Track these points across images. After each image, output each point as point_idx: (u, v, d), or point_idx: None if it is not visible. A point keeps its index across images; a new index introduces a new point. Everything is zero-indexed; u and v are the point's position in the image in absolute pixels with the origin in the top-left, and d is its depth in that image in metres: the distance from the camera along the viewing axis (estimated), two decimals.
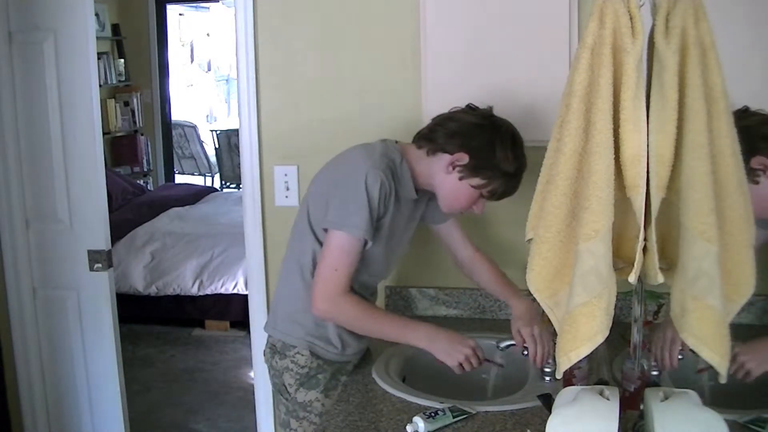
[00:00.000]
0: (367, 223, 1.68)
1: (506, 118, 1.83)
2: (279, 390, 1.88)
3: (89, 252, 2.64)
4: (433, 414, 1.55)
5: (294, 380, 1.83)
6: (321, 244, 1.76)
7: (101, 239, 2.65)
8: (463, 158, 1.72)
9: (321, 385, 1.82)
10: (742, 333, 1.31)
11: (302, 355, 1.82)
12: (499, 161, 1.72)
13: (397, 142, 1.85)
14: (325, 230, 1.73)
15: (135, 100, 6.95)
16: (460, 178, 1.74)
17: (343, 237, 1.69)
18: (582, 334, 1.24)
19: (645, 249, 1.25)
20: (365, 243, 1.71)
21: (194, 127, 8.59)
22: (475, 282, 2.05)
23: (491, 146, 1.72)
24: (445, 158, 1.75)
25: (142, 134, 7.06)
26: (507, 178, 1.74)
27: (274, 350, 1.87)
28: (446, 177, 1.75)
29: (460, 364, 1.73)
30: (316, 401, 1.82)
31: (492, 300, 2.19)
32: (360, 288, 1.82)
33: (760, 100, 1.93)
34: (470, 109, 1.81)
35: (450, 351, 1.73)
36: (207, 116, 11.04)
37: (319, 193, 1.80)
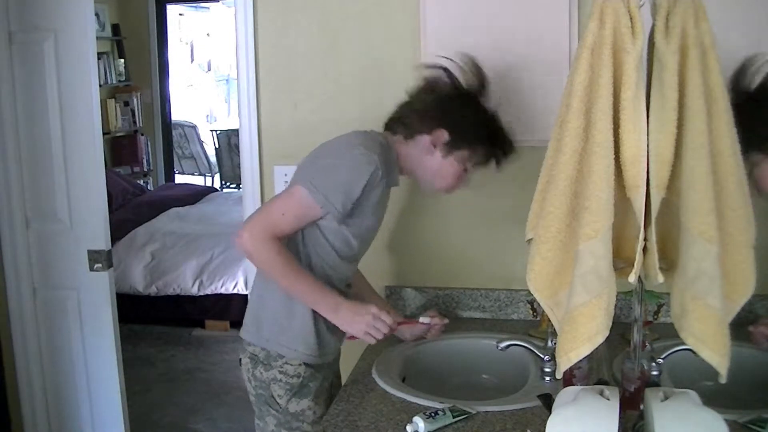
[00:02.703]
0: (337, 200, 1.65)
1: (506, 118, 1.83)
2: (266, 402, 1.80)
3: (89, 252, 2.64)
4: (433, 414, 1.55)
5: (284, 391, 1.77)
6: (303, 234, 1.73)
7: (101, 239, 2.65)
8: (443, 135, 1.72)
9: (312, 392, 1.79)
10: (742, 333, 1.31)
11: (291, 364, 1.76)
12: (478, 126, 1.71)
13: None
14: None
15: (135, 100, 6.95)
16: (444, 155, 1.73)
17: (308, 196, 1.65)
18: (582, 334, 1.24)
19: (645, 249, 1.25)
20: (322, 217, 1.68)
21: (194, 127, 8.59)
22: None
23: (465, 114, 1.71)
24: (424, 139, 1.73)
25: (142, 134, 7.07)
26: (488, 141, 1.73)
27: (255, 360, 1.80)
28: (430, 158, 1.74)
29: (368, 333, 1.70)
30: (309, 410, 1.78)
31: (492, 300, 2.19)
32: (332, 279, 1.78)
33: None
34: (429, 84, 1.79)
35: (352, 321, 1.70)
36: (207, 116, 11.05)
37: (313, 159, 1.76)
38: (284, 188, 1.79)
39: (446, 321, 1.93)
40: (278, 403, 1.79)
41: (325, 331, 1.79)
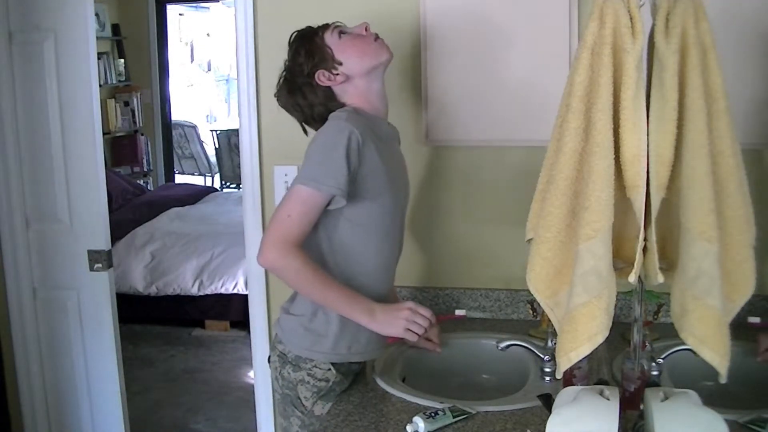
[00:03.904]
0: (327, 177, 1.61)
1: (506, 118, 1.82)
2: (292, 402, 1.76)
3: (89, 252, 2.64)
4: (433, 414, 1.55)
5: (311, 393, 1.73)
6: (319, 228, 1.70)
7: (101, 239, 2.65)
8: (319, 75, 1.72)
9: (338, 396, 1.75)
10: (742, 333, 1.31)
11: (320, 368, 1.72)
12: (295, 59, 1.75)
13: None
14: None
15: (135, 100, 6.95)
16: (338, 64, 1.72)
17: (300, 188, 1.62)
18: (582, 334, 1.24)
19: (645, 249, 1.25)
20: (329, 199, 1.63)
21: (194, 127, 8.59)
22: None
23: (296, 52, 1.76)
24: (333, 89, 1.73)
25: (142, 134, 7.06)
26: (299, 43, 1.77)
27: (284, 360, 1.76)
28: (346, 78, 1.72)
29: (408, 330, 1.66)
30: None
31: (492, 300, 2.19)
32: (376, 282, 1.75)
33: (760, 100, 1.94)
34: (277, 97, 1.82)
35: (390, 321, 1.66)
36: (207, 116, 11.04)
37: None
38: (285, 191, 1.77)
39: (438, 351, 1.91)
40: (304, 405, 1.75)
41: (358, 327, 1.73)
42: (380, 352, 1.82)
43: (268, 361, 1.86)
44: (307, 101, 1.76)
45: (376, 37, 1.78)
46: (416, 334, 1.68)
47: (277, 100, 1.82)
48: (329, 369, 1.73)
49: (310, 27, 1.80)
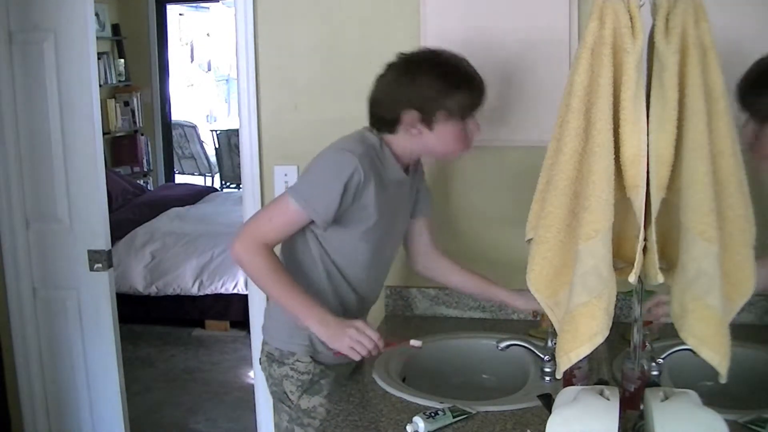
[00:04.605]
0: (318, 205, 1.64)
1: (506, 117, 1.82)
2: (280, 398, 1.84)
3: (89, 252, 2.64)
4: (433, 414, 1.55)
5: (295, 387, 1.80)
6: (317, 237, 1.74)
7: (101, 239, 2.65)
8: (412, 114, 1.67)
9: (324, 390, 1.80)
10: (742, 333, 1.31)
11: (302, 361, 1.79)
12: (434, 85, 1.66)
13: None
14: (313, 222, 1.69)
15: (135, 100, 6.95)
16: (431, 128, 1.69)
17: (290, 201, 1.65)
18: (582, 334, 1.24)
19: (645, 249, 1.25)
20: (310, 222, 1.67)
21: (194, 127, 8.59)
22: (441, 281, 2.02)
23: (417, 83, 1.67)
24: (403, 127, 1.70)
25: (142, 134, 7.06)
26: (458, 90, 1.67)
27: (271, 358, 1.83)
28: (422, 138, 1.70)
29: (352, 348, 1.65)
30: (320, 407, 1.79)
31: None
32: (344, 303, 1.80)
33: None
34: (382, 75, 1.76)
35: (337, 335, 1.66)
36: (207, 116, 11.04)
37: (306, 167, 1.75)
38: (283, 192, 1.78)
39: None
40: (290, 399, 1.81)
41: None
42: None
43: (260, 362, 1.91)
44: (380, 110, 1.73)
45: (463, 132, 1.73)
46: (358, 353, 1.67)
47: (381, 76, 1.75)
48: (310, 362, 1.78)
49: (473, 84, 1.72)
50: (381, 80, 1.74)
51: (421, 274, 2.03)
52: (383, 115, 1.72)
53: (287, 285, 1.68)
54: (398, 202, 1.81)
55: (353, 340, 1.64)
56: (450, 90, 1.66)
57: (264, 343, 1.88)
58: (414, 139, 1.71)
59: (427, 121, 1.68)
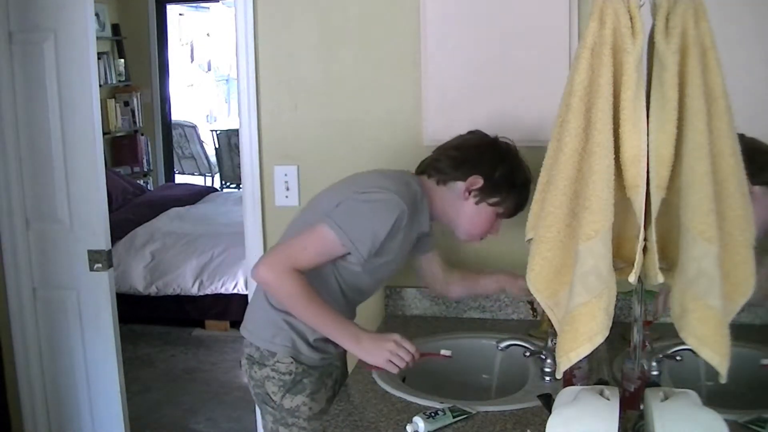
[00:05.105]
0: (363, 246, 1.67)
1: (506, 117, 1.83)
2: (263, 400, 1.84)
3: (89, 252, 2.64)
4: (433, 414, 1.55)
5: (277, 387, 1.80)
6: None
7: (101, 239, 2.65)
8: (477, 182, 1.75)
9: (307, 389, 1.80)
10: (742, 333, 1.31)
11: (282, 362, 1.79)
12: (510, 175, 1.74)
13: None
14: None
15: (135, 100, 6.95)
16: (477, 202, 1.77)
17: (329, 233, 1.67)
18: (582, 334, 1.24)
19: (645, 249, 1.25)
20: (345, 256, 1.71)
21: (194, 127, 8.59)
22: (470, 294, 2.11)
23: (500, 163, 1.75)
24: (458, 186, 1.77)
25: (142, 134, 7.06)
26: (519, 190, 1.77)
27: (252, 361, 1.83)
28: (464, 203, 1.77)
29: (390, 362, 1.67)
30: (303, 406, 1.80)
31: (492, 300, 2.19)
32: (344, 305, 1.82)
33: (760, 99, 1.93)
34: (466, 134, 1.85)
35: (374, 350, 1.68)
36: (207, 116, 11.04)
37: (335, 195, 1.77)
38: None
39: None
40: (273, 400, 1.81)
41: (316, 341, 1.80)
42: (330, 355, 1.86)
43: (240, 365, 1.90)
44: (453, 161, 1.80)
45: (493, 223, 1.82)
46: (397, 366, 1.69)
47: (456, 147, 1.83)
48: (291, 362, 1.79)
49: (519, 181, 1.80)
50: (469, 139, 1.82)
51: (450, 297, 2.10)
52: (451, 166, 1.77)
53: (319, 306, 1.69)
54: (407, 251, 1.86)
55: (392, 353, 1.67)
56: (520, 191, 1.77)
57: (245, 345, 1.87)
58: (455, 201, 1.78)
59: (482, 196, 1.75)
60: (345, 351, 1.94)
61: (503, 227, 2.16)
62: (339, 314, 1.72)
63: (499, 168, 1.75)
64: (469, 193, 1.76)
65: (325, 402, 1.81)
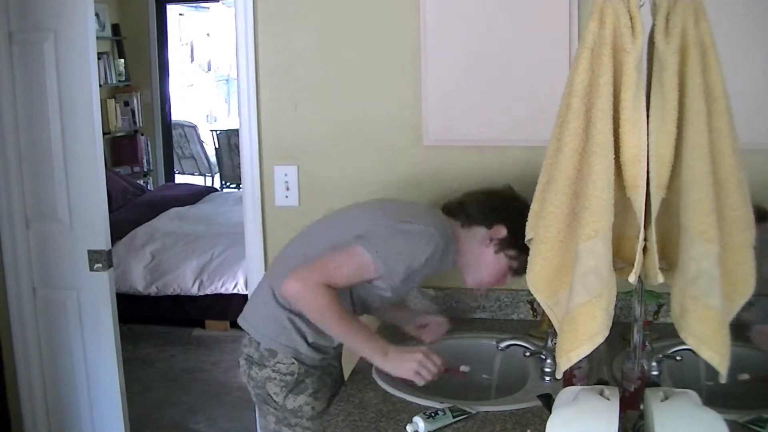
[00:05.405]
0: (397, 273, 1.70)
1: (506, 118, 1.83)
2: (264, 401, 1.83)
3: (89, 252, 2.64)
4: (433, 414, 1.55)
5: (279, 388, 1.80)
6: None
7: (101, 239, 2.65)
8: (501, 232, 1.77)
9: (309, 388, 1.80)
10: (742, 333, 1.32)
11: (283, 363, 1.79)
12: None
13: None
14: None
15: (135, 100, 6.95)
16: (497, 252, 1.79)
17: (366, 256, 1.69)
18: (582, 334, 1.24)
19: (645, 249, 1.25)
20: (374, 280, 1.73)
21: (194, 127, 8.58)
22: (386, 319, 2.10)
23: (523, 218, 1.76)
24: (481, 231, 1.79)
25: (142, 134, 7.06)
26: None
27: (251, 361, 1.83)
28: (483, 250, 1.79)
29: (418, 374, 1.69)
30: (306, 405, 1.80)
31: (492, 300, 2.19)
32: None
33: (760, 99, 1.94)
34: (501, 186, 1.88)
35: (402, 363, 1.70)
36: (207, 116, 11.04)
37: (370, 217, 1.80)
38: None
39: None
40: (275, 401, 1.81)
41: (314, 343, 1.80)
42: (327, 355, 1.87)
43: (239, 365, 1.90)
44: (481, 207, 1.84)
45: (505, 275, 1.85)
46: (424, 378, 1.71)
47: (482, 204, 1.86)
48: (293, 363, 1.79)
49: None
50: (501, 191, 1.86)
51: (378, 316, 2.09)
52: (480, 211, 1.81)
53: (348, 321, 1.72)
54: (424, 276, 1.87)
55: (420, 365, 1.69)
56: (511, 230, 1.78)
57: (243, 345, 1.87)
58: (475, 246, 1.80)
59: (503, 246, 1.78)
60: (341, 352, 1.94)
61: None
62: (367, 329, 1.75)
63: (522, 223, 1.77)
64: (491, 241, 1.79)
65: (326, 401, 1.81)
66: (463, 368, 1.81)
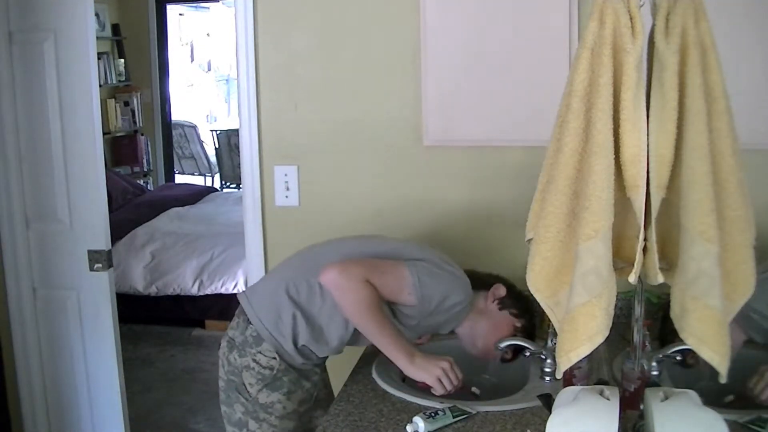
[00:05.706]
0: (429, 306, 1.75)
1: (506, 118, 1.83)
2: (237, 388, 1.82)
3: (89, 252, 2.64)
4: (433, 414, 1.55)
5: (255, 380, 1.79)
6: None
7: (101, 239, 2.65)
8: (501, 290, 1.85)
9: (285, 387, 1.80)
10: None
11: (265, 355, 1.79)
12: (530, 296, 1.79)
13: None
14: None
15: (135, 100, 6.94)
16: (500, 308, 1.84)
17: (410, 279, 1.73)
18: (582, 334, 1.24)
19: (645, 249, 1.25)
20: (402, 305, 1.76)
21: (194, 127, 8.58)
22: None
23: (515, 288, 1.87)
24: (481, 295, 1.85)
25: (142, 134, 7.06)
26: (533, 322, 1.88)
27: (232, 345, 1.83)
28: (482, 314, 1.85)
29: (439, 381, 1.70)
30: (278, 403, 1.80)
31: None
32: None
33: (760, 99, 1.94)
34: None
35: (427, 368, 1.71)
36: (207, 116, 11.04)
37: (413, 248, 1.86)
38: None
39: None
40: (248, 392, 1.81)
41: (303, 347, 1.80)
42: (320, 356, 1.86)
43: (219, 347, 1.91)
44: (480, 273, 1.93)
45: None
46: (444, 387, 1.71)
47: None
48: (274, 357, 1.78)
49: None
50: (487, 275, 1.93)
51: None
52: (476, 277, 1.87)
53: (382, 319, 1.73)
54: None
55: (444, 373, 1.70)
56: (532, 317, 1.87)
57: (230, 327, 1.87)
58: (478, 311, 1.85)
59: (505, 303, 1.86)
60: (325, 362, 1.94)
61: (502, 226, 2.17)
62: (398, 330, 1.76)
63: (520, 292, 1.86)
64: (492, 301, 1.85)
65: (297, 403, 1.82)
66: (474, 390, 1.83)
